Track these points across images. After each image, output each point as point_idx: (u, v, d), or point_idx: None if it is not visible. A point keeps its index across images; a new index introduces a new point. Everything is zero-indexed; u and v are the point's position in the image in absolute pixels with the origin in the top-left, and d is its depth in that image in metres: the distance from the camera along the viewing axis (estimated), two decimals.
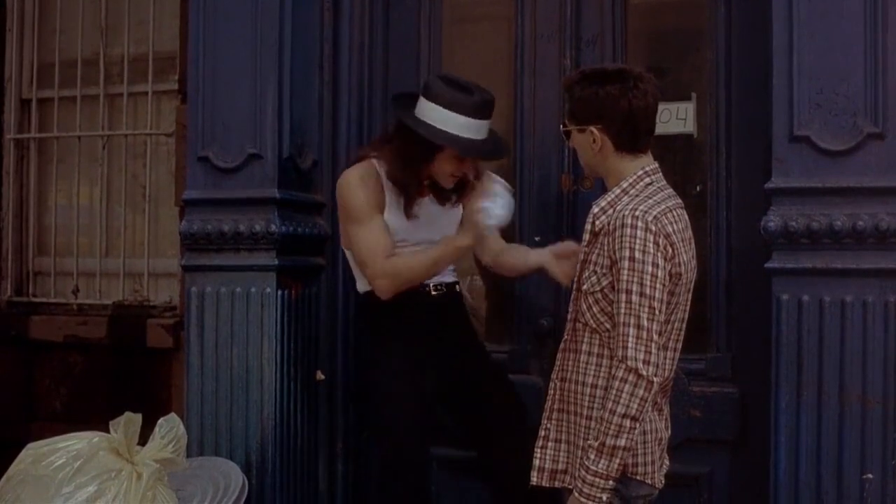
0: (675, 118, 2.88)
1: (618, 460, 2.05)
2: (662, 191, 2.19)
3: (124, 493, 2.50)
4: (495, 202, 2.55)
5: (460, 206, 2.83)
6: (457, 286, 2.86)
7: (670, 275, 2.09)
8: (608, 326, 2.13)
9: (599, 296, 2.13)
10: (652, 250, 2.05)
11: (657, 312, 2.05)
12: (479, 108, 2.59)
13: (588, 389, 2.17)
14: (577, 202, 2.97)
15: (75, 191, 4.01)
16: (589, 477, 2.06)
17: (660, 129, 2.35)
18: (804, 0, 2.49)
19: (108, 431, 2.61)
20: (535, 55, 3.05)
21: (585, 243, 2.19)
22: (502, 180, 2.70)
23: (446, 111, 2.57)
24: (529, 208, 3.04)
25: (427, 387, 2.73)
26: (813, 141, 2.49)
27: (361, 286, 2.80)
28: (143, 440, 2.65)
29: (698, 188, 2.88)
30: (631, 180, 2.18)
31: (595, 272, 2.14)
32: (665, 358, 2.15)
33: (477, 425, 2.81)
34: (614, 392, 2.04)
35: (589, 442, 2.09)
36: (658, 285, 2.05)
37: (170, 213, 3.77)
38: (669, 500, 2.42)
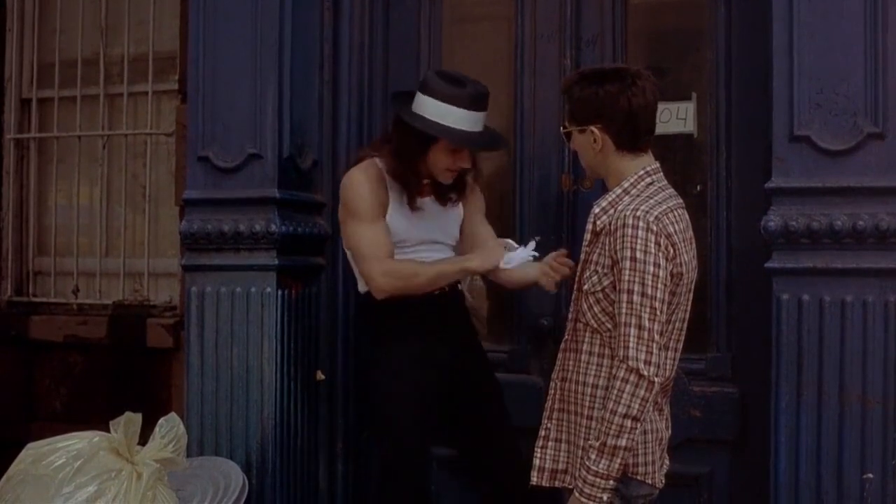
0: (676, 118, 2.88)
1: (619, 460, 2.05)
2: (664, 190, 2.19)
3: (124, 492, 2.50)
4: (518, 253, 2.62)
5: (460, 206, 2.84)
6: (458, 285, 2.86)
7: (671, 275, 2.09)
8: (609, 326, 2.13)
9: (601, 296, 2.13)
10: (653, 250, 2.05)
11: (658, 313, 2.05)
12: (473, 100, 2.62)
13: (589, 389, 2.17)
14: (577, 202, 2.97)
15: (75, 191, 4.00)
16: (590, 477, 2.06)
17: (660, 128, 2.35)
18: (804, 0, 2.49)
19: (108, 431, 2.62)
20: (535, 55, 3.05)
21: (586, 243, 2.19)
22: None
23: (441, 104, 2.61)
24: (529, 208, 3.04)
25: (427, 386, 2.72)
26: (813, 141, 2.49)
27: (362, 286, 2.80)
28: (144, 440, 2.65)
29: (698, 188, 2.88)
30: (632, 180, 2.18)
31: (596, 272, 2.14)
32: (666, 358, 2.15)
33: (476, 425, 2.81)
34: (615, 392, 2.04)
35: (590, 442, 2.09)
36: (659, 285, 2.05)
37: (170, 213, 3.77)
38: (669, 500, 2.42)
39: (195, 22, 3.05)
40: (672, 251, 2.09)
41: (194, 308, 3.02)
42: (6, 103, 4.08)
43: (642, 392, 2.03)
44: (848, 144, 2.47)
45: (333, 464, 3.19)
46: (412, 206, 2.71)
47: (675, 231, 2.11)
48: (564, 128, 2.30)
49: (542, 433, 2.29)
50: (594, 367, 2.17)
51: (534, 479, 2.29)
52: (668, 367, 2.17)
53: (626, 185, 2.18)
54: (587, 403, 2.17)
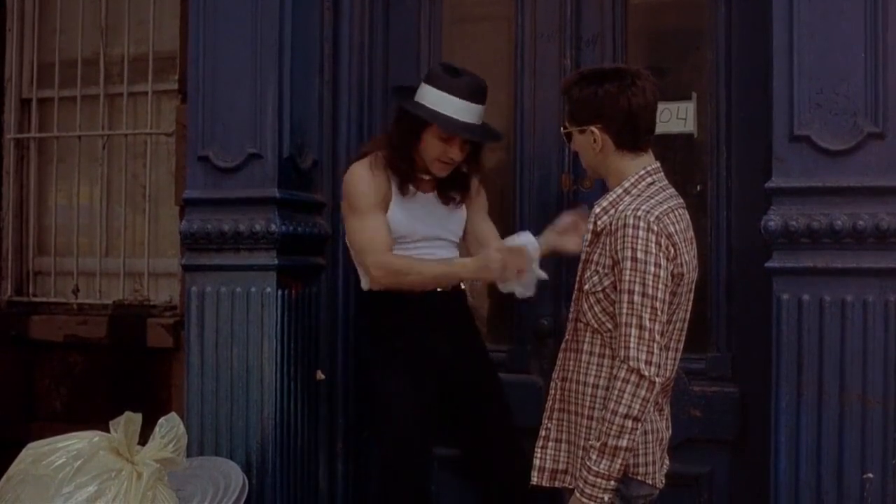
0: (676, 118, 2.88)
1: (619, 461, 2.05)
2: (664, 190, 2.19)
3: (124, 492, 2.50)
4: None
5: (463, 208, 2.84)
6: (461, 284, 2.86)
7: (672, 275, 2.09)
8: (610, 326, 2.13)
9: (601, 296, 2.13)
10: (654, 250, 2.05)
11: (659, 313, 2.05)
12: (470, 91, 2.64)
13: (589, 389, 2.17)
14: (577, 202, 2.97)
15: (75, 190, 4.00)
16: (591, 477, 2.06)
17: (660, 128, 2.35)
18: (804, 0, 2.49)
19: (108, 431, 2.61)
20: (535, 55, 3.05)
21: (587, 243, 2.19)
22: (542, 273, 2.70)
23: (438, 91, 2.65)
24: (529, 208, 3.04)
25: (428, 386, 2.73)
26: (813, 140, 2.49)
27: (364, 283, 2.79)
28: (144, 440, 2.65)
29: (698, 188, 2.88)
30: (633, 180, 2.18)
31: (597, 272, 2.14)
32: (667, 358, 2.15)
33: (477, 425, 2.81)
34: (616, 392, 2.04)
35: (590, 442, 2.09)
36: (660, 285, 2.05)
37: (170, 213, 3.77)
38: (669, 500, 2.42)
39: (195, 22, 3.05)
40: (673, 251, 2.09)
41: (194, 308, 3.02)
42: (6, 103, 4.08)
43: (643, 392, 2.03)
44: (848, 144, 2.47)
45: (333, 464, 3.19)
46: (404, 192, 2.72)
47: (676, 231, 2.11)
48: (565, 128, 2.30)
49: (543, 433, 2.29)
50: (595, 368, 2.17)
51: (534, 479, 2.29)
52: (668, 367, 2.17)
53: (626, 185, 2.18)
54: (588, 403, 2.17)
